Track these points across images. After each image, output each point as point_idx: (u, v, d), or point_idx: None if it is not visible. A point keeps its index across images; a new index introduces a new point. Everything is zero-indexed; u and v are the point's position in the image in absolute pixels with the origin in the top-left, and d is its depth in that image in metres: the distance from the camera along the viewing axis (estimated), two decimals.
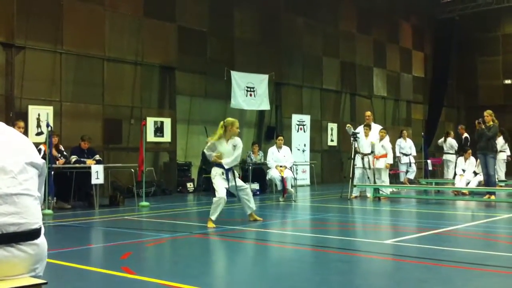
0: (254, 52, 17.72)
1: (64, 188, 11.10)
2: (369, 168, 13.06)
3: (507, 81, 25.99)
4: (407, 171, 17.03)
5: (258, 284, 4.68)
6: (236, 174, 8.65)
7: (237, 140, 8.45)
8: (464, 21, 25.44)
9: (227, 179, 8.32)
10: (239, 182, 8.56)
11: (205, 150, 8.69)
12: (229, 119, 8.60)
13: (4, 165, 2.73)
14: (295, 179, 13.55)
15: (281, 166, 12.83)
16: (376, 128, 13.54)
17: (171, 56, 15.54)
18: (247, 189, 8.62)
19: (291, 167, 13.15)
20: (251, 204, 8.58)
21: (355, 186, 13.15)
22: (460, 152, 16.64)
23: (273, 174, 12.86)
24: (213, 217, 8.05)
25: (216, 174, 8.36)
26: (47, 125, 10.33)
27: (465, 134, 17.32)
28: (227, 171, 8.33)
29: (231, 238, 7.22)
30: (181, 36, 15.76)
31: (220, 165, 8.34)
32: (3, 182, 2.71)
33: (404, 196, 14.11)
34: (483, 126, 12.12)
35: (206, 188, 15.11)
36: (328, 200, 13.14)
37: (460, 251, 6.20)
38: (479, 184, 13.43)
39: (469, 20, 25.51)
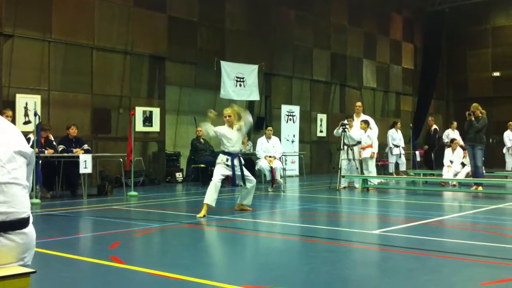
0: (245, 43, 17.67)
1: (50, 177, 11.05)
2: (354, 159, 13.14)
3: (496, 73, 26.14)
4: (397, 163, 17.10)
5: (247, 274, 4.69)
6: (242, 163, 8.58)
7: (240, 125, 8.45)
8: (454, 14, 25.50)
9: (233, 166, 8.27)
10: (247, 172, 8.55)
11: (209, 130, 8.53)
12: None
13: None
14: (284, 169, 13.57)
15: (270, 157, 12.84)
16: (361, 119, 13.61)
17: (161, 46, 15.46)
18: (252, 182, 8.57)
19: (280, 158, 13.17)
20: (248, 199, 8.63)
21: (343, 176, 13.22)
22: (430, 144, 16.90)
23: (262, 164, 12.88)
24: (205, 201, 8.02)
25: (220, 162, 8.34)
26: (35, 114, 10.26)
27: (434, 126, 17.46)
28: (232, 157, 8.31)
29: (220, 228, 7.23)
30: (171, 26, 15.68)
31: (225, 153, 8.36)
32: None
33: (392, 186, 14.19)
34: (472, 118, 12.21)
35: (195, 178, 15.10)
36: (317, 190, 13.19)
37: (448, 241, 6.26)
38: (467, 175, 13.56)
39: (459, 13, 25.56)
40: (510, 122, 18.46)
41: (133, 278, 4.44)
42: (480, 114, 12.29)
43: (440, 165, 14.88)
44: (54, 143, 11.26)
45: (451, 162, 14.29)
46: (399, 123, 17.78)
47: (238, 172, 8.39)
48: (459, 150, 14.27)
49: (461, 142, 14.66)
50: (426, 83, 25.64)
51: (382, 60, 24.10)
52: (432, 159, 17.11)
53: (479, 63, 26.58)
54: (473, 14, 25.92)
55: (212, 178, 8.28)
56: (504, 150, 18.28)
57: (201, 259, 5.28)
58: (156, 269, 4.66)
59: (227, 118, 8.50)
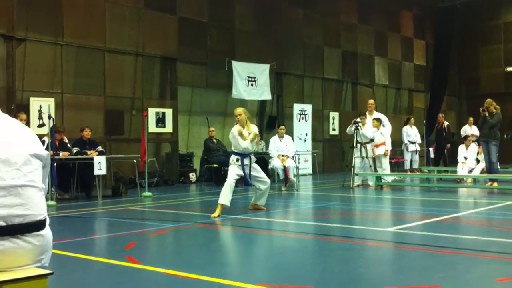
0: (255, 43, 17.68)
1: (65, 179, 11.14)
2: (367, 156, 13.11)
3: (509, 68, 25.90)
4: (411, 160, 17.00)
5: (261, 273, 4.70)
6: (253, 161, 8.60)
7: (251, 128, 8.56)
8: (465, 10, 25.30)
9: (242, 166, 8.34)
10: (260, 174, 8.57)
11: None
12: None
13: (9, 157, 2.74)
14: (297, 168, 13.56)
15: (283, 156, 12.84)
16: (374, 117, 13.57)
17: (171, 47, 15.52)
18: (266, 183, 8.58)
19: (293, 157, 13.16)
20: (262, 199, 8.66)
21: (357, 175, 13.19)
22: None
23: (275, 163, 12.88)
24: (220, 201, 8.09)
25: (231, 162, 8.44)
26: (49, 117, 10.35)
27: (446, 123, 17.25)
28: (242, 157, 8.36)
29: (234, 227, 7.24)
30: (181, 27, 15.72)
31: (235, 153, 8.42)
32: (7, 174, 2.72)
33: (406, 184, 14.12)
34: (486, 114, 12.13)
35: (208, 178, 15.14)
36: (330, 189, 13.17)
37: (463, 238, 6.23)
38: (482, 171, 13.46)
39: (470, 9, 25.36)
40: None
41: (148, 278, 4.47)
42: (494, 110, 12.21)
43: (454, 162, 14.79)
44: (69, 145, 11.34)
45: (465, 158, 14.20)
46: (412, 119, 17.69)
47: (250, 172, 8.41)
48: (473, 146, 14.18)
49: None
50: (438, 80, 25.47)
51: (393, 57, 24.00)
52: (446, 156, 16.97)
53: (491, 59, 26.36)
54: (484, 9, 25.72)
55: (227, 179, 8.31)
56: None
57: (215, 259, 5.30)
58: (171, 269, 4.68)
59: (238, 117, 8.54)
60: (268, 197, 8.95)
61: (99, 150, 11.40)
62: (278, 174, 13.22)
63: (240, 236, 6.80)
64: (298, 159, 14.32)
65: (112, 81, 14.19)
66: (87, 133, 11.49)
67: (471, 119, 17.23)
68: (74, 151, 11.14)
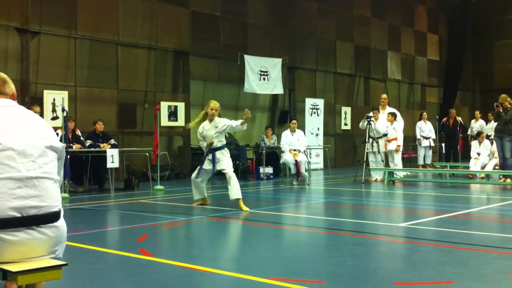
0: (267, 37, 17.63)
1: (78, 172, 11.21)
2: (378, 151, 13.08)
3: None
4: (424, 155, 16.91)
5: (273, 267, 4.71)
6: (223, 155, 8.48)
7: (218, 121, 8.47)
8: (480, 3, 25.06)
9: (213, 160, 8.41)
10: (221, 166, 8.45)
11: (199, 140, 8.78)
12: (209, 101, 8.85)
13: (25, 149, 2.77)
14: (308, 162, 13.54)
15: (294, 150, 12.82)
16: (387, 111, 13.51)
17: (184, 41, 15.52)
18: (228, 173, 8.36)
19: (304, 151, 13.14)
20: (233, 191, 8.22)
21: (369, 169, 13.15)
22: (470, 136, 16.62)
23: (287, 158, 12.86)
24: (196, 197, 8.68)
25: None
26: (63, 110, 10.41)
27: (458, 118, 17.12)
28: (213, 152, 8.41)
29: (246, 221, 7.26)
30: (194, 20, 15.72)
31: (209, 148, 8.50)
32: (23, 166, 2.74)
33: (418, 179, 14.06)
34: (500, 109, 12.03)
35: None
36: (342, 183, 13.14)
37: (476, 234, 6.19)
38: (495, 167, 13.36)
39: (485, 3, 25.11)
40: None
41: (161, 271, 4.49)
42: (509, 105, 12.10)
43: (467, 157, 14.70)
44: (82, 138, 11.41)
45: (478, 154, 14.11)
46: (425, 114, 17.59)
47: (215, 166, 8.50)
48: (486, 142, 14.08)
49: (485, 132, 14.54)
50: (451, 74, 25.29)
51: (407, 51, 23.84)
52: (458, 151, 16.87)
53: (506, 53, 26.07)
54: (499, 3, 25.45)
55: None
56: None
57: (227, 252, 5.31)
58: (183, 261, 4.70)
59: (213, 111, 8.48)
60: (279, 192, 8.94)
61: (112, 143, 11.45)
62: (289, 169, 13.20)
63: (252, 230, 6.81)
64: (310, 153, 14.31)
65: (125, 75, 14.23)
66: (100, 126, 11.55)
67: (477, 113, 17.12)
68: (87, 144, 11.20)
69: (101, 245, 5.52)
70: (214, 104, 8.53)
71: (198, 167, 8.70)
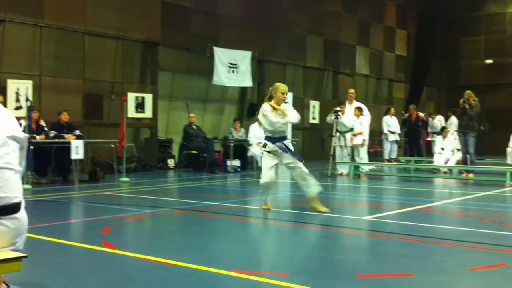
0: (238, 29, 17.55)
1: (42, 163, 11.01)
2: (345, 145, 13.20)
3: (488, 61, 26.18)
4: (390, 150, 17.13)
5: (238, 259, 4.71)
6: (289, 145, 7.49)
7: (286, 107, 7.43)
8: (448, 0, 25.45)
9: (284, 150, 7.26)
10: (287, 159, 7.32)
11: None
12: (276, 84, 7.57)
13: None
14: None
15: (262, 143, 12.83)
16: (355, 106, 13.63)
17: (154, 31, 15.33)
18: (298, 167, 7.32)
19: None
20: (309, 186, 7.29)
21: (335, 163, 13.26)
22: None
23: (255, 151, 12.89)
24: (264, 199, 7.52)
25: (264, 152, 7.44)
26: (27, 99, 10.21)
27: (421, 114, 17.50)
28: (281, 142, 7.26)
29: (211, 214, 7.24)
30: (164, 11, 15.53)
31: (267, 138, 7.38)
32: None
33: (384, 173, 14.24)
34: (466, 105, 12.26)
35: (187, 165, 15.10)
36: None
37: (439, 227, 6.31)
38: (458, 162, 13.64)
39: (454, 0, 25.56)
40: None
41: (125, 263, 4.45)
42: (473, 102, 12.35)
43: (431, 153, 14.98)
44: (46, 128, 11.21)
45: (442, 149, 14.37)
46: (393, 109, 17.81)
47: (282, 160, 7.37)
48: (450, 138, 14.35)
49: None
50: (419, 70, 25.65)
51: (375, 46, 24.07)
52: (421, 146, 17.18)
53: (473, 50, 26.59)
54: (467, 1, 25.88)
55: (262, 178, 7.46)
56: None
57: (192, 245, 5.30)
58: (147, 254, 4.67)
59: (285, 96, 7.42)
60: (246, 184, 8.95)
61: (77, 134, 11.28)
62: (257, 162, 13.23)
63: (218, 223, 6.80)
64: None
65: (92, 65, 14.00)
66: (64, 117, 11.36)
67: (431, 112, 17.72)
68: (52, 135, 11.01)
69: (64, 238, 5.44)
70: (284, 87, 7.37)
71: (265, 169, 7.39)
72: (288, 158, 7.27)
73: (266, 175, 7.29)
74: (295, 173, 7.32)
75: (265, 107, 7.33)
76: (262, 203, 7.48)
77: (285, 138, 7.39)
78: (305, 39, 20.40)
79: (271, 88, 7.44)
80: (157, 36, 15.36)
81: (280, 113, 7.29)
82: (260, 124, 13.19)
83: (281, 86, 7.35)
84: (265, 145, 7.39)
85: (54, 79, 13.26)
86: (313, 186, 7.24)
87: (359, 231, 6.11)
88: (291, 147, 7.35)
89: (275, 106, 7.30)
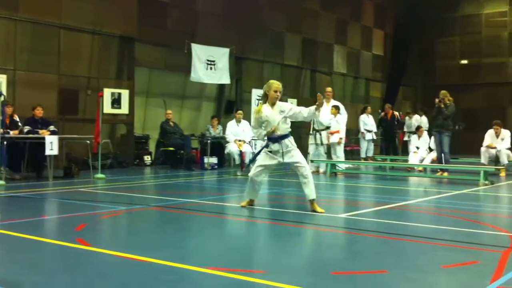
0: (216, 26, 17.50)
1: (16, 158, 10.85)
2: (321, 143, 13.25)
3: (464, 61, 26.54)
4: (367, 149, 17.27)
5: (215, 257, 4.70)
6: (292, 144, 7.22)
7: (281, 104, 7.24)
8: (424, 1, 25.72)
9: (282, 150, 7.13)
10: (293, 158, 7.17)
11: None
12: (269, 81, 7.39)
13: None
14: (253, 153, 13.59)
15: (239, 141, 12.85)
16: (332, 104, 13.70)
17: (131, 27, 15.21)
18: (303, 168, 7.19)
19: (249, 142, 13.17)
20: (308, 189, 7.15)
21: (311, 161, 13.32)
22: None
23: (232, 148, 12.88)
24: (247, 197, 7.52)
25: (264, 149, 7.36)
26: (0, 94, 10.03)
27: (395, 113, 17.74)
28: (279, 140, 7.13)
29: (188, 211, 7.21)
30: (141, 6, 15.42)
31: (269, 138, 7.24)
32: None
33: (360, 171, 14.34)
34: (442, 105, 12.40)
35: (163, 161, 15.03)
36: (285, 175, 13.24)
37: (413, 225, 6.37)
38: (433, 161, 13.80)
39: (430, 0, 25.82)
40: None
41: (99, 260, 4.41)
42: (448, 102, 12.50)
43: (407, 152, 15.13)
44: (20, 123, 11.04)
45: (418, 148, 14.53)
46: (369, 107, 17.93)
47: (284, 159, 7.21)
48: (425, 137, 14.51)
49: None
50: (395, 70, 25.90)
51: (353, 45, 24.23)
52: (397, 145, 17.37)
53: (448, 50, 26.94)
54: (443, 1, 26.19)
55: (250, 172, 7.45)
56: None
57: (168, 242, 5.27)
58: (122, 251, 4.63)
59: (278, 93, 7.21)
60: (223, 182, 8.93)
61: (51, 129, 11.15)
62: (234, 159, 13.22)
63: (194, 220, 6.78)
64: (255, 144, 14.35)
65: (67, 59, 13.84)
66: (39, 112, 11.21)
67: (408, 111, 17.95)
68: (25, 130, 10.86)
69: (38, 234, 5.36)
70: (278, 85, 7.19)
71: (256, 164, 7.37)
72: (291, 158, 7.18)
73: (254, 171, 7.30)
74: (298, 173, 7.25)
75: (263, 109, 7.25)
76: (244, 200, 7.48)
77: (286, 136, 7.24)
78: (283, 37, 20.43)
79: (265, 86, 7.35)
80: (134, 31, 15.24)
81: (276, 110, 7.20)
82: (237, 121, 13.23)
83: (275, 84, 7.21)
84: (267, 146, 7.29)
85: (29, 73, 13.09)
86: (310, 190, 7.15)
87: (335, 228, 6.15)
88: (290, 146, 7.17)
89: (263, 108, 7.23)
